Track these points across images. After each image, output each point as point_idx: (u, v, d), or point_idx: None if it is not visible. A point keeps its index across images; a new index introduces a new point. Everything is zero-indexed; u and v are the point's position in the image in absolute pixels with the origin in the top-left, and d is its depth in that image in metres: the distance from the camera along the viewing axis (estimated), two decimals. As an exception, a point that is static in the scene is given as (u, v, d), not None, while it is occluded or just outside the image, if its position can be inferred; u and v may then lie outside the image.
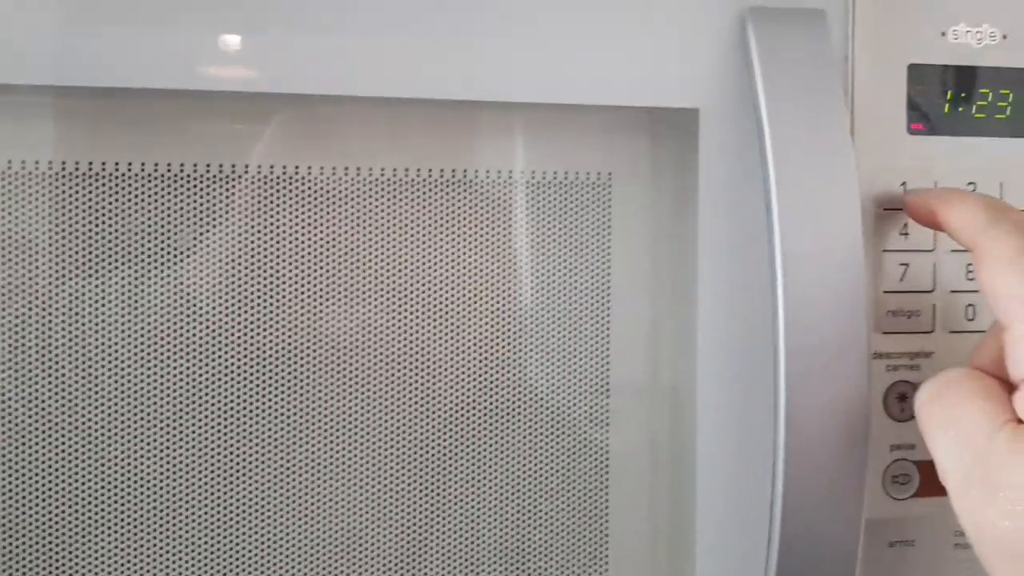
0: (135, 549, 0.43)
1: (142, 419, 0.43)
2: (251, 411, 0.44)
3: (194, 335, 0.43)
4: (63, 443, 0.42)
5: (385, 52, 0.42)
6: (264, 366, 0.44)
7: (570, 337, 0.47)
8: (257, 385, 0.44)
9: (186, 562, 0.43)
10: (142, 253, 0.43)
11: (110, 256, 0.43)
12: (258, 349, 0.44)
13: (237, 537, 0.44)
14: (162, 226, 0.43)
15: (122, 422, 0.43)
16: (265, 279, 0.44)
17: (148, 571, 0.43)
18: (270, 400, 0.44)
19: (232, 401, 0.44)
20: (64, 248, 0.42)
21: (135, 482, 0.43)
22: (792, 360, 0.41)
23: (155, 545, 0.43)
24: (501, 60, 0.43)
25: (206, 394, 0.43)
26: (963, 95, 0.47)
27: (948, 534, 0.48)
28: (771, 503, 0.42)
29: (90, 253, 0.42)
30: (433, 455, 0.46)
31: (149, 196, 0.43)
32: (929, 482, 0.47)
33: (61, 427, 0.42)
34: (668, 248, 0.48)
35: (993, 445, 0.36)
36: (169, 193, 0.43)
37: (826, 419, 0.41)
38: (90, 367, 0.42)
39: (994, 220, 0.39)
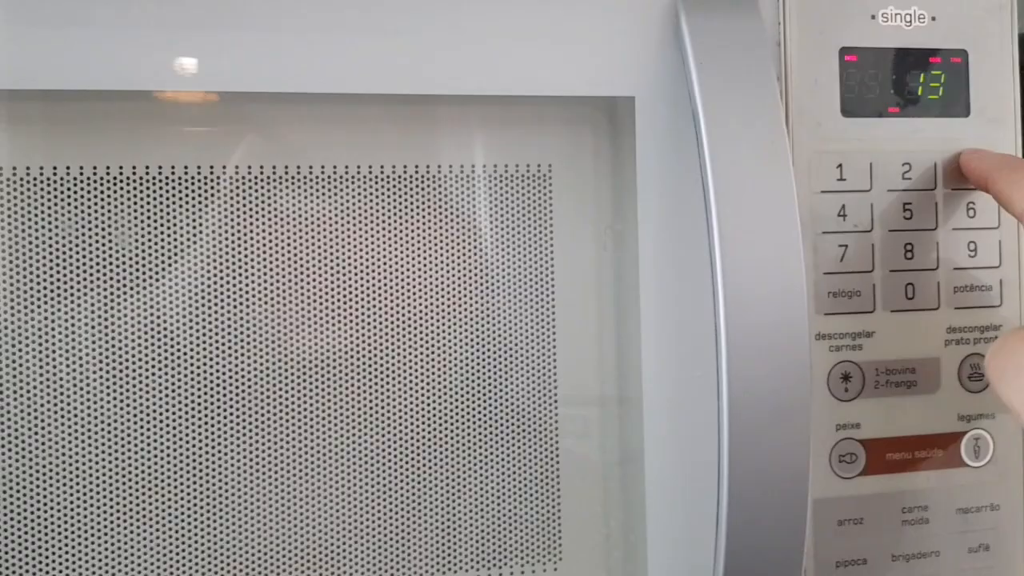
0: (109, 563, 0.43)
1: (101, 430, 0.43)
2: (216, 407, 0.43)
3: (158, 337, 0.43)
4: (31, 450, 0.42)
5: (322, 49, 0.42)
6: (224, 362, 0.44)
7: (515, 327, 0.47)
8: (220, 380, 0.43)
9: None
10: (97, 256, 0.42)
11: (65, 259, 0.42)
12: (220, 347, 0.43)
13: (220, 531, 0.44)
14: (118, 229, 0.42)
15: (74, 433, 0.42)
16: (222, 277, 0.43)
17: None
18: (233, 396, 0.44)
19: (196, 397, 0.43)
20: (16, 252, 0.42)
21: (113, 486, 0.43)
22: (734, 343, 0.42)
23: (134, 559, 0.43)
24: (438, 54, 0.43)
25: (161, 395, 0.43)
26: (894, 77, 0.48)
27: (896, 511, 0.48)
28: (718, 487, 0.42)
29: (43, 256, 0.42)
30: (384, 453, 0.46)
31: (103, 199, 0.42)
32: (876, 460, 0.48)
33: (27, 439, 0.42)
34: (610, 237, 0.48)
35: None
36: (124, 196, 0.43)
37: (768, 401, 0.42)
38: (45, 365, 0.42)
39: None
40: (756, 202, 0.43)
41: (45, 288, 0.42)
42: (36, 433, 0.42)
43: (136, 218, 0.43)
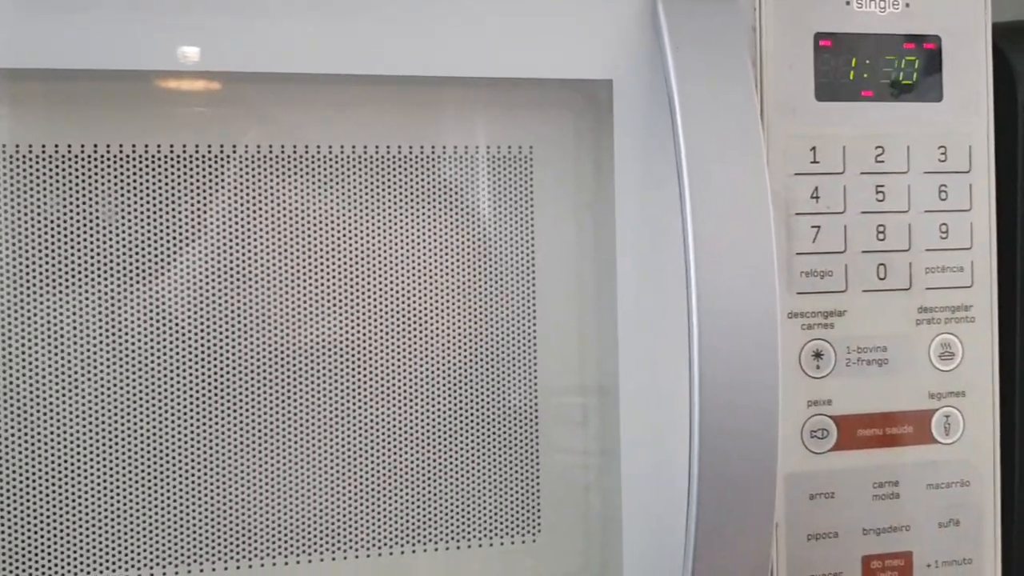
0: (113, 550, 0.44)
1: (100, 414, 0.44)
2: (215, 381, 0.45)
3: (152, 316, 0.44)
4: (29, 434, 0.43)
5: (303, 31, 0.43)
6: (225, 339, 0.45)
7: (495, 308, 0.48)
8: (219, 356, 0.45)
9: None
10: (97, 234, 0.44)
11: (63, 237, 0.43)
12: (221, 325, 0.45)
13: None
14: (118, 207, 0.44)
15: (72, 417, 0.44)
16: (218, 255, 0.45)
17: None
18: (230, 370, 0.45)
19: (195, 374, 0.44)
20: (18, 230, 0.43)
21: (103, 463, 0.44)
22: (705, 321, 0.43)
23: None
24: (420, 35, 0.44)
25: (156, 375, 0.44)
26: (868, 62, 0.49)
27: (867, 486, 0.50)
28: (688, 462, 0.43)
29: (42, 233, 0.43)
30: (369, 431, 0.47)
31: (103, 178, 0.44)
32: (847, 436, 0.49)
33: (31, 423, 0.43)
34: (590, 219, 0.49)
35: None
36: (127, 175, 0.44)
37: (739, 377, 0.43)
38: (48, 344, 0.43)
39: None
40: (728, 184, 0.43)
41: (46, 267, 0.43)
42: (40, 416, 0.43)
43: (137, 197, 0.44)
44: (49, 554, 0.44)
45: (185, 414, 0.45)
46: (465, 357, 0.48)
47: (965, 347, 0.51)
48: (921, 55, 0.50)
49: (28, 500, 0.43)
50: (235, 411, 0.45)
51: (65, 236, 0.43)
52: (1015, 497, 0.55)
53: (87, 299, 0.44)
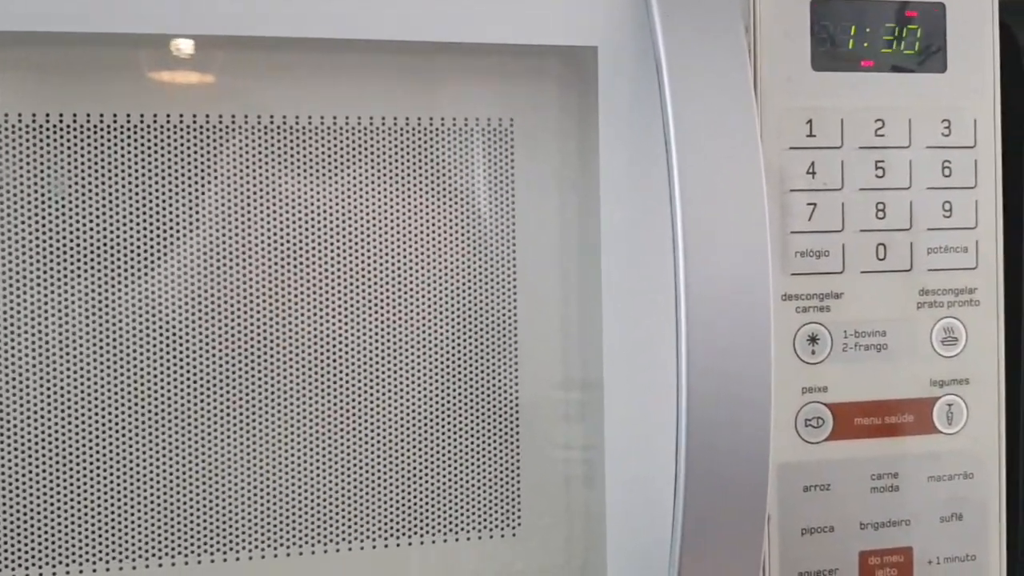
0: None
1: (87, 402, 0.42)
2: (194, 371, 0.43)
3: (140, 292, 0.42)
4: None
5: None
6: (194, 327, 0.43)
7: (473, 292, 0.46)
8: (212, 330, 0.43)
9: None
10: (82, 203, 0.42)
11: (47, 209, 0.41)
12: (198, 312, 0.43)
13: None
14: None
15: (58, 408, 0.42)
16: (207, 224, 0.42)
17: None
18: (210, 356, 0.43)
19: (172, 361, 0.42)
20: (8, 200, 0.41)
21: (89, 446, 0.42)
22: (694, 303, 0.40)
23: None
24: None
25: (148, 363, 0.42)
26: (868, 30, 0.46)
27: (865, 477, 0.47)
28: (675, 452, 0.41)
29: (26, 204, 0.41)
30: (347, 422, 0.45)
31: (96, 148, 0.42)
32: (843, 425, 0.47)
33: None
34: (574, 196, 0.47)
35: None
36: (121, 144, 0.42)
37: (729, 362, 0.41)
38: (23, 330, 0.41)
39: None
40: (719, 159, 0.41)
41: (37, 236, 0.41)
42: (24, 407, 0.41)
43: (132, 166, 0.42)
44: (34, 546, 0.42)
45: (170, 408, 0.43)
46: (443, 344, 0.45)
47: (969, 332, 0.48)
48: (924, 24, 0.47)
49: (11, 494, 0.42)
50: (219, 402, 0.43)
51: (42, 210, 0.41)
52: (1020, 490, 0.53)
53: (68, 282, 0.42)
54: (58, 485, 0.42)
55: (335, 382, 0.44)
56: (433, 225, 0.45)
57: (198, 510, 0.43)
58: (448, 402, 0.46)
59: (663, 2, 0.42)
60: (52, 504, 0.42)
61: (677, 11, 0.42)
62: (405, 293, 0.45)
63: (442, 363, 0.46)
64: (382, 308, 0.45)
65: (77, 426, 0.42)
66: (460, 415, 0.46)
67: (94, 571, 0.42)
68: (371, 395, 0.45)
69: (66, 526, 0.42)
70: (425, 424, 0.45)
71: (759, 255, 0.41)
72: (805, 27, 0.46)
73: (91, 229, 0.42)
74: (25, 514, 0.42)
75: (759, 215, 0.41)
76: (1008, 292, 0.50)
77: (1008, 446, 0.50)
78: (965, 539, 0.49)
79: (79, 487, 0.42)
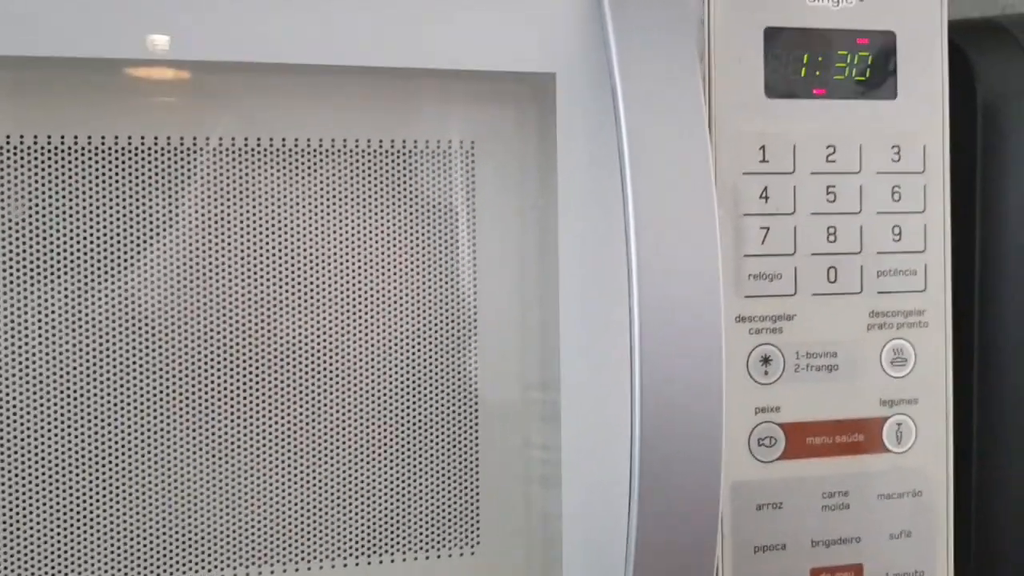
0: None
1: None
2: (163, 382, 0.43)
3: (116, 305, 0.42)
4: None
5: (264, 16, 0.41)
6: (170, 340, 0.43)
7: (434, 310, 0.46)
8: (192, 349, 0.43)
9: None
10: (64, 229, 0.42)
11: (29, 232, 0.42)
12: (172, 326, 0.43)
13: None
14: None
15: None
16: (183, 248, 0.43)
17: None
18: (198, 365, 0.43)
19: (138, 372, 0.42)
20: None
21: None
22: (647, 324, 0.41)
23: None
24: (359, 25, 0.42)
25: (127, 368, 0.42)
26: (820, 58, 0.47)
27: (816, 496, 0.48)
28: (629, 469, 0.41)
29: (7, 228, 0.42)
30: (302, 438, 0.45)
31: (71, 170, 0.42)
32: (796, 444, 0.48)
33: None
34: (533, 216, 0.47)
35: None
36: (95, 167, 0.42)
37: (681, 381, 0.41)
38: (4, 344, 0.41)
39: None
40: (672, 184, 0.42)
41: (10, 263, 0.41)
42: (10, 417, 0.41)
43: (105, 190, 0.42)
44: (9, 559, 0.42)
45: (137, 430, 0.43)
46: (401, 357, 0.46)
47: (918, 353, 0.49)
48: (875, 51, 0.48)
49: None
50: (185, 424, 0.43)
51: (31, 231, 0.42)
52: (969, 508, 0.54)
53: (54, 296, 0.42)
54: (26, 494, 0.42)
55: (296, 398, 0.45)
56: (395, 243, 0.46)
57: (165, 530, 0.44)
58: (405, 417, 0.46)
59: (619, 31, 0.43)
60: (12, 521, 0.42)
61: (633, 38, 0.43)
62: (368, 310, 0.45)
63: (400, 378, 0.46)
64: (347, 324, 0.45)
65: (38, 451, 0.42)
66: (417, 431, 0.46)
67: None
68: (322, 408, 0.45)
69: (27, 546, 0.42)
70: (381, 439, 0.46)
71: (710, 277, 0.42)
72: (759, 55, 0.47)
73: (50, 251, 0.42)
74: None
75: (711, 239, 0.42)
76: (956, 313, 0.51)
77: (956, 464, 0.51)
78: (914, 555, 0.50)
79: (46, 513, 0.42)
